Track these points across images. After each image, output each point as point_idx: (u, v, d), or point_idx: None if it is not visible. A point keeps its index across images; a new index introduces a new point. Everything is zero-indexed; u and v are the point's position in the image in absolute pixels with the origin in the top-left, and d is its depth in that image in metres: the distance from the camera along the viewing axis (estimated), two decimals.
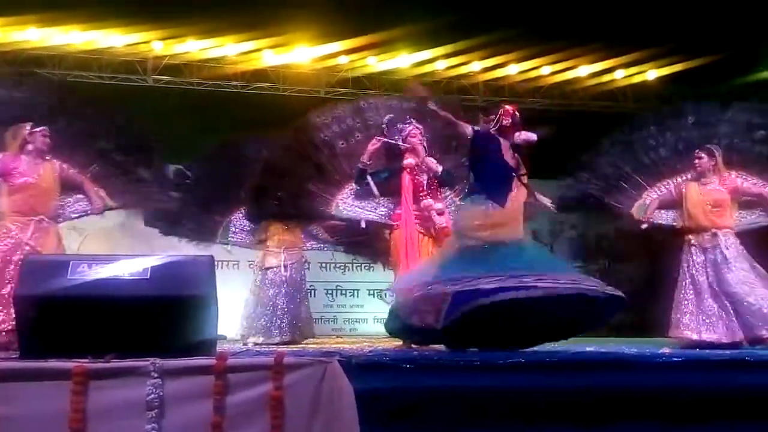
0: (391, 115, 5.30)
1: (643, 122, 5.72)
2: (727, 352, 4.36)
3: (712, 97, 9.47)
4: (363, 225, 5.37)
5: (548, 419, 2.69)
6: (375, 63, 9.26)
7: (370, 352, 3.84)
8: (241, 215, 6.93)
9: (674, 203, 5.37)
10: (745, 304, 4.84)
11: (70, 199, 4.90)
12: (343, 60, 9.23)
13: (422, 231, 5.01)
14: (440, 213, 5.04)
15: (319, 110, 5.54)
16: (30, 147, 4.58)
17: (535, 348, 4.21)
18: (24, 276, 3.01)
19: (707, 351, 4.41)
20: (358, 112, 5.40)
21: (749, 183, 5.28)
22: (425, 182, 5.08)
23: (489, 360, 3.19)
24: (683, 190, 5.26)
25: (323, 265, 9.61)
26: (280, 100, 9.39)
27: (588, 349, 4.93)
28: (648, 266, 10.32)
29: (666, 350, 4.16)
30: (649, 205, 5.37)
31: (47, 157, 4.68)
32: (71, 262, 3.05)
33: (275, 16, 8.22)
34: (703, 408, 2.77)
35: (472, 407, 2.66)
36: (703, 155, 5.15)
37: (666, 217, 5.45)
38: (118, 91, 8.99)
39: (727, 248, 5.03)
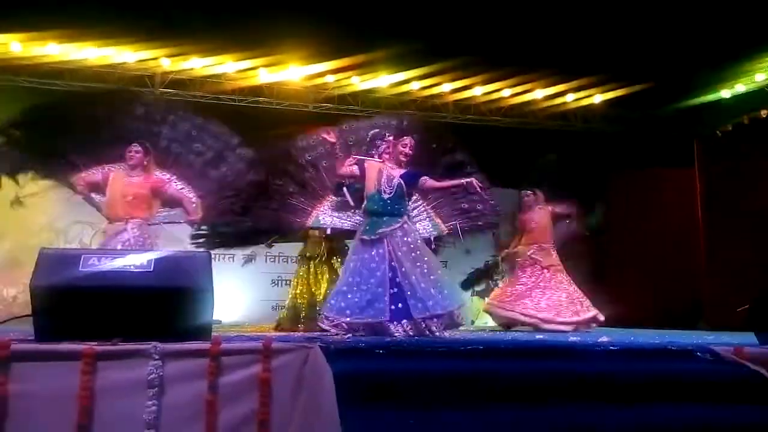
0: (376, 131, 5.25)
1: None
2: (657, 340, 4.38)
3: (651, 120, 9.72)
4: (329, 231, 5.41)
5: (503, 399, 2.70)
6: (358, 82, 9.24)
7: (348, 338, 3.83)
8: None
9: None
10: None
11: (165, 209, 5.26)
12: (330, 78, 9.19)
13: None
14: None
15: (305, 134, 5.51)
16: (129, 162, 4.96)
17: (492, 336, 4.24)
18: (40, 267, 2.97)
19: (640, 340, 4.42)
20: (341, 133, 5.33)
21: None
22: None
23: (452, 346, 3.21)
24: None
25: None
26: (273, 113, 9.34)
27: (537, 337, 4.99)
28: (590, 263, 10.46)
29: (604, 338, 4.20)
30: None
31: (146, 171, 4.98)
32: (83, 256, 3.03)
33: (270, 38, 8.18)
34: (634, 390, 2.81)
35: (437, 388, 2.67)
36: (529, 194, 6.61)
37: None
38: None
39: None
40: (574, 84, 9.38)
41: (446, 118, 9.56)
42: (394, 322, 4.17)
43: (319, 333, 4.23)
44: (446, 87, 9.36)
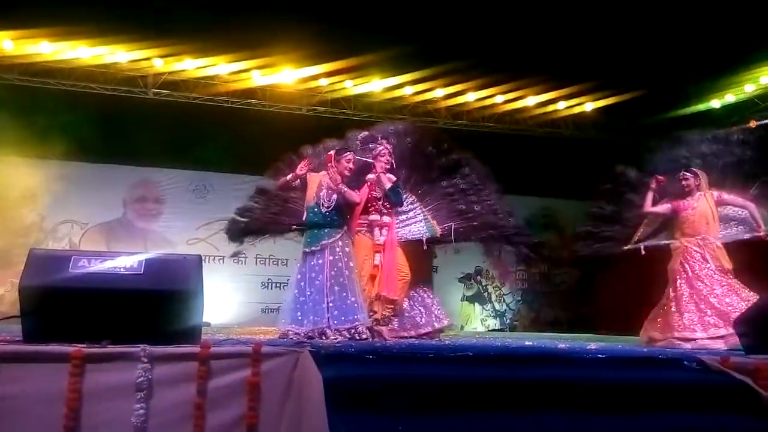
0: (366, 133, 5.26)
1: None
2: (645, 349, 4.43)
3: (641, 128, 9.80)
4: None
5: (492, 406, 2.71)
6: (351, 86, 9.26)
7: (337, 343, 3.83)
8: None
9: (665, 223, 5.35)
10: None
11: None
12: (323, 82, 9.21)
13: (369, 238, 4.98)
14: (381, 226, 4.99)
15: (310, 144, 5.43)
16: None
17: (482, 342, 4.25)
18: (29, 267, 2.94)
19: (628, 348, 4.46)
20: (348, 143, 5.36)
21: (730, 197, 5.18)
22: (380, 197, 5.00)
23: (441, 353, 3.21)
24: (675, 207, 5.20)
25: None
26: (266, 115, 9.33)
27: (527, 343, 5.01)
28: (580, 272, 10.52)
29: (592, 346, 4.22)
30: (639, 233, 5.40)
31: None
32: (73, 257, 3.01)
33: (264, 40, 8.19)
34: (621, 398, 2.83)
35: (426, 394, 2.67)
36: (689, 176, 5.13)
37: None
38: (121, 102, 8.85)
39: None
40: (565, 91, 9.45)
41: (438, 123, 9.60)
42: (333, 329, 4.31)
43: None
44: (439, 92, 9.41)
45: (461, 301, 10.53)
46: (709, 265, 4.95)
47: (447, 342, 4.73)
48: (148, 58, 8.57)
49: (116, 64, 8.65)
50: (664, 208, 5.25)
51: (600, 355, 3.33)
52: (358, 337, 4.30)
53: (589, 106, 9.79)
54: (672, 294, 5.02)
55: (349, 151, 4.80)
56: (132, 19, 7.56)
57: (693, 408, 2.82)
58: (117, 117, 8.56)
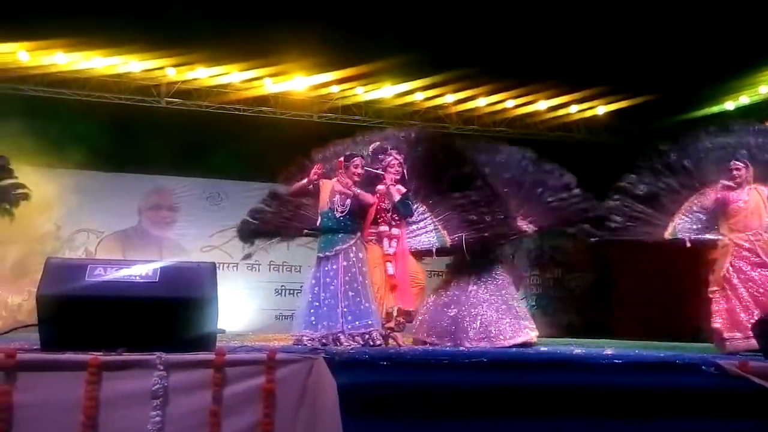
0: (377, 144, 5.25)
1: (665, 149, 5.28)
2: (661, 354, 4.35)
3: (654, 132, 9.72)
4: None
5: (506, 412, 2.70)
6: (362, 92, 9.28)
7: (351, 350, 3.83)
8: None
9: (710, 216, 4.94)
10: None
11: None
12: (334, 89, 9.24)
13: (379, 248, 4.94)
14: (390, 238, 4.96)
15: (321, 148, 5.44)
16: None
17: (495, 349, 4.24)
18: (46, 276, 2.98)
19: (644, 353, 4.38)
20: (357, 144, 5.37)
21: None
22: (389, 209, 4.97)
23: (456, 359, 3.20)
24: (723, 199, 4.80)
25: None
26: (277, 123, 9.38)
27: (542, 349, 4.97)
28: (594, 276, 10.45)
29: (608, 351, 4.19)
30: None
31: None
32: (89, 265, 3.04)
33: (275, 48, 8.23)
34: (637, 403, 2.80)
35: (441, 401, 2.67)
36: (741, 166, 4.76)
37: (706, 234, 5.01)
38: (135, 111, 8.93)
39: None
40: (577, 95, 9.41)
41: (449, 128, 9.58)
42: (347, 334, 4.32)
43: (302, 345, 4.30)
44: (450, 98, 9.40)
45: None
46: (760, 261, 4.57)
47: (461, 348, 4.71)
48: (161, 68, 8.65)
49: (130, 74, 8.73)
50: (710, 200, 4.86)
51: (616, 361, 3.30)
52: (372, 343, 4.31)
53: (601, 109, 9.74)
54: (724, 293, 4.65)
55: (358, 156, 4.82)
56: (145, 29, 7.64)
57: (711, 414, 2.79)
58: (131, 126, 8.63)
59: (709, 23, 7.30)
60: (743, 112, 8.91)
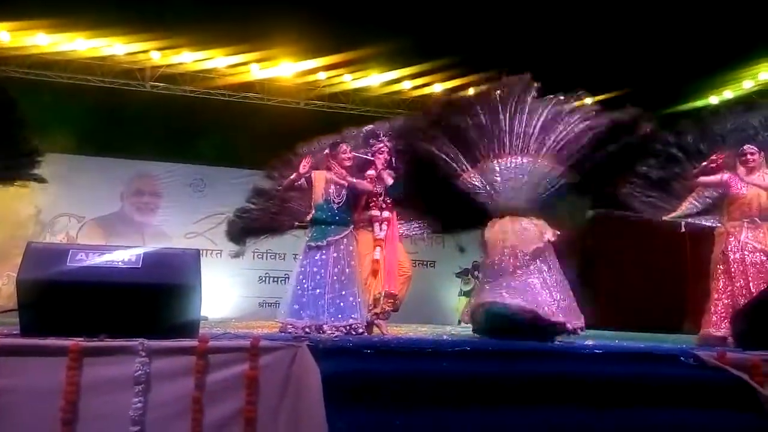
0: (370, 128, 5.24)
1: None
2: (641, 345, 4.38)
3: None
4: None
5: (488, 401, 2.71)
6: (350, 80, 9.25)
7: (335, 338, 3.84)
8: None
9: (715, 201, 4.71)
10: None
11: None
12: (321, 76, 9.20)
13: (370, 233, 4.95)
14: (381, 222, 4.96)
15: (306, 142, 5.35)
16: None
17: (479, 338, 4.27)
18: (27, 261, 2.94)
19: (624, 343, 4.41)
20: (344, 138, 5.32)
21: None
22: (381, 193, 4.98)
23: (439, 348, 3.22)
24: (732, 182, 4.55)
25: None
26: (263, 109, 9.32)
27: None
28: (577, 266, 10.53)
29: (589, 342, 4.23)
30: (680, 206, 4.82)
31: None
32: (71, 250, 3.00)
33: (262, 34, 8.17)
34: (617, 393, 2.84)
35: (424, 389, 2.68)
36: (755, 151, 4.52)
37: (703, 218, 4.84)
38: (119, 95, 8.82)
39: None
40: (561, 87, 9.41)
41: None
42: (330, 325, 4.31)
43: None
44: (437, 87, 9.38)
45: (459, 296, 10.54)
46: (755, 254, 4.37)
47: (445, 337, 4.74)
48: (145, 51, 8.55)
49: (114, 57, 8.63)
50: (716, 178, 4.57)
51: (597, 351, 3.34)
52: (354, 333, 4.32)
53: (588, 101, 9.77)
54: (712, 286, 4.51)
55: (343, 144, 4.79)
56: (129, 12, 7.54)
57: (689, 404, 2.83)
58: (114, 110, 8.55)
59: (695, 17, 7.34)
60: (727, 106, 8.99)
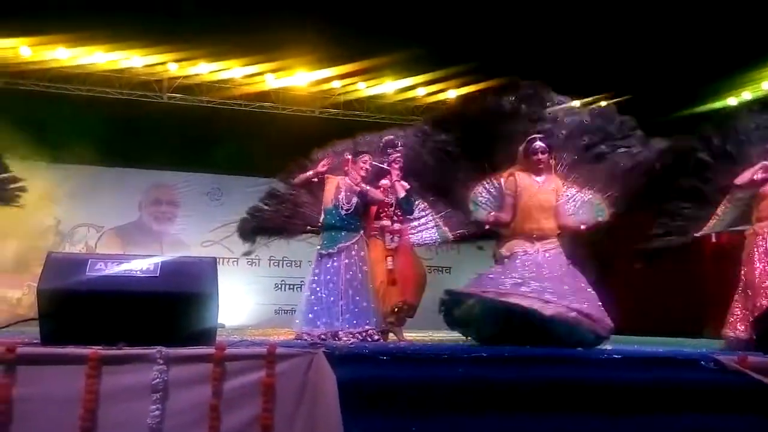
0: (390, 137, 5.24)
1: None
2: (661, 350, 4.32)
3: (656, 126, 9.67)
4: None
5: (505, 407, 2.70)
6: (364, 88, 9.28)
7: (351, 344, 3.84)
8: None
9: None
10: None
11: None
12: (336, 84, 9.24)
13: (381, 242, 4.95)
14: (392, 233, 4.96)
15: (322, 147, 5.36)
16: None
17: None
18: (47, 270, 2.98)
19: (643, 348, 4.36)
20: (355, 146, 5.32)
21: None
22: (392, 204, 4.98)
23: (455, 354, 3.20)
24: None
25: None
26: (279, 118, 9.38)
27: None
28: (595, 270, 10.41)
29: (608, 347, 4.18)
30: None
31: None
32: (89, 260, 3.04)
33: (277, 44, 8.22)
34: (637, 399, 2.80)
35: (440, 395, 2.67)
36: None
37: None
38: (136, 106, 8.94)
39: None
40: (578, 92, 9.34)
41: None
42: (345, 332, 4.31)
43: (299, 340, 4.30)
44: (452, 93, 9.37)
45: None
46: None
47: (461, 343, 4.71)
48: (162, 63, 8.65)
49: (131, 69, 8.74)
50: (745, 179, 4.39)
51: (615, 356, 3.30)
52: (370, 340, 4.31)
53: (602, 104, 9.70)
54: (741, 285, 4.35)
55: (367, 154, 4.81)
56: (146, 25, 7.64)
57: (710, 409, 2.79)
58: (132, 121, 8.64)
59: (713, 18, 7.28)
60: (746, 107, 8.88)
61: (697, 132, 4.94)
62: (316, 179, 4.71)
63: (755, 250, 4.33)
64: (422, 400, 2.62)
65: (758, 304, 4.18)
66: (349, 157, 4.73)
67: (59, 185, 8.56)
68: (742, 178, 4.42)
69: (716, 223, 4.68)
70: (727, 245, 4.92)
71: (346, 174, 4.67)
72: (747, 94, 8.80)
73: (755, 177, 4.38)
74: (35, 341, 2.89)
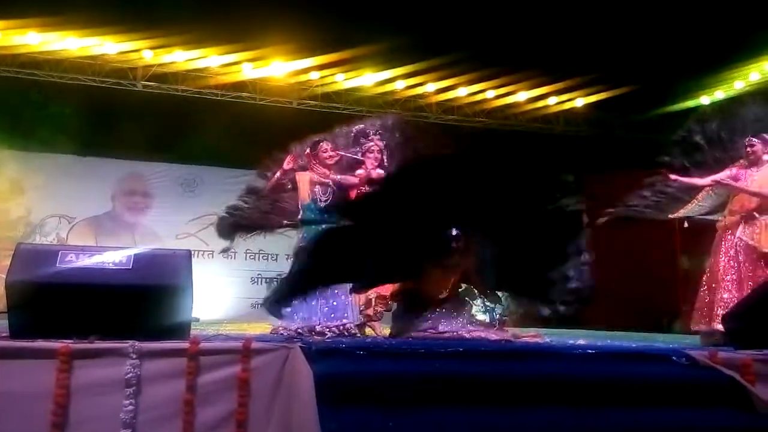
0: (360, 126, 5.22)
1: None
2: (633, 344, 4.38)
3: (633, 124, 9.82)
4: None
5: (480, 401, 2.71)
6: (342, 80, 9.23)
7: (328, 339, 3.83)
8: None
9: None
10: None
11: None
12: (314, 76, 9.18)
13: None
14: None
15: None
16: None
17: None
18: (17, 262, 2.92)
19: (616, 343, 4.41)
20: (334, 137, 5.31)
21: None
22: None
23: (431, 348, 3.21)
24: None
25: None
26: (256, 108, 9.29)
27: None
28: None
29: (581, 342, 4.23)
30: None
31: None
32: (60, 252, 2.99)
33: (255, 33, 8.15)
34: (609, 393, 2.84)
35: (417, 389, 2.68)
36: (756, 143, 4.43)
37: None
38: (110, 94, 8.77)
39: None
40: (556, 87, 9.44)
41: (429, 118, 9.59)
42: (322, 326, 4.32)
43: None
44: (430, 87, 9.38)
45: None
46: (744, 245, 4.30)
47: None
48: (137, 50, 8.49)
49: (105, 56, 8.57)
50: (725, 174, 4.47)
51: (589, 351, 3.34)
52: (347, 334, 4.31)
53: (579, 101, 9.81)
54: (704, 280, 4.45)
55: (322, 141, 4.77)
56: (121, 10, 7.49)
57: (681, 403, 2.83)
58: (105, 109, 8.49)
59: (687, 17, 7.38)
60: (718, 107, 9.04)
61: (695, 113, 4.95)
62: (285, 180, 4.67)
63: (722, 243, 4.48)
64: (399, 395, 2.62)
65: (719, 297, 4.31)
66: (307, 150, 4.69)
67: (29, 175, 8.41)
68: (722, 174, 4.48)
69: (694, 207, 4.73)
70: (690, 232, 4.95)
71: (310, 169, 4.63)
72: (720, 94, 8.96)
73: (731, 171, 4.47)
74: (4, 335, 2.83)
